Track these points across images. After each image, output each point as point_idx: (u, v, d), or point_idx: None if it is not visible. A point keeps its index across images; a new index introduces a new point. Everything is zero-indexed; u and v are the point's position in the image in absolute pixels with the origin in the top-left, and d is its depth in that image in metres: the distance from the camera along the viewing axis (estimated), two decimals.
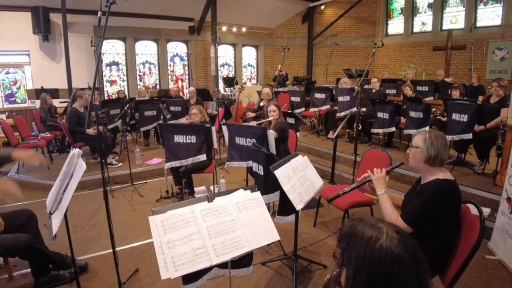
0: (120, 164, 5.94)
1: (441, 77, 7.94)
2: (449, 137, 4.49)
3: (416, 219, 1.97)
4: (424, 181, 2.08)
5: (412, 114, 5.28)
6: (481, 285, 2.82)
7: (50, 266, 2.91)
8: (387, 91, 7.38)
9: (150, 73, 11.49)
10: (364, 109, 6.23)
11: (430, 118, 5.24)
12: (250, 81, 13.70)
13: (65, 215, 1.97)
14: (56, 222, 1.94)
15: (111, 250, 2.81)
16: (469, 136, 4.41)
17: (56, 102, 7.90)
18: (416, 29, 11.77)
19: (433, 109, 5.61)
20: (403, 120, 5.81)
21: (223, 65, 12.95)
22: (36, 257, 2.77)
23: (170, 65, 11.82)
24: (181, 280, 2.14)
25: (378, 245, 0.93)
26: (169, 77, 11.79)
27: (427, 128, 4.86)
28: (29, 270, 2.90)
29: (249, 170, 4.00)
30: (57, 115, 7.35)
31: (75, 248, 2.28)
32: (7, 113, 8.45)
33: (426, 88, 7.16)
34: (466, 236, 1.95)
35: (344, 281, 1.00)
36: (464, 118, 4.46)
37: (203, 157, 4.16)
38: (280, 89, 8.87)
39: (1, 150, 1.33)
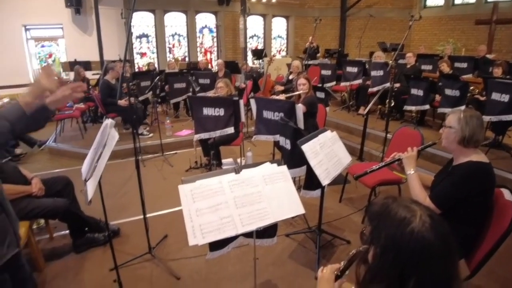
0: (151, 134, 6.10)
1: (483, 53, 7.45)
2: (486, 118, 4.26)
3: (445, 200, 1.92)
4: (457, 162, 2.00)
5: (448, 92, 5.03)
6: (509, 272, 2.74)
7: (86, 229, 3.11)
8: (423, 67, 7.05)
9: (179, 45, 11.51)
10: (397, 85, 5.99)
11: (467, 97, 4.97)
12: (280, 54, 13.43)
13: (99, 183, 2.07)
14: (90, 188, 2.04)
15: (141, 217, 2.95)
16: (510, 117, 4.15)
17: (88, 74, 8.12)
18: (458, 0, 10.97)
19: (471, 88, 5.30)
20: (437, 97, 5.55)
21: (252, 37, 12.74)
22: (73, 220, 2.96)
23: (199, 37, 11.77)
24: (208, 247, 2.22)
25: (409, 228, 0.90)
26: (198, 49, 11.77)
27: (462, 107, 4.62)
28: (67, 231, 3.12)
29: (276, 144, 4.00)
30: (90, 87, 7.57)
31: (108, 213, 2.40)
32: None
33: (465, 65, 6.75)
34: (497, 222, 1.88)
35: (371, 259, 0.99)
36: (505, 98, 4.18)
37: (231, 130, 4.19)
38: (311, 62, 8.65)
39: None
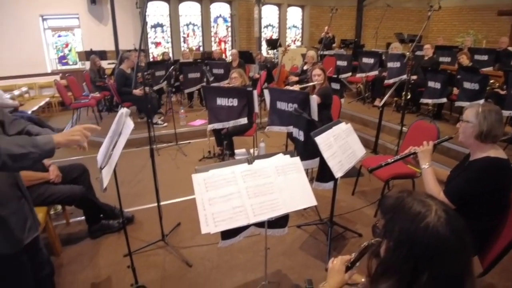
0: (166, 124, 6.16)
1: (505, 46, 7.19)
2: (506, 113, 4.14)
3: (460, 196, 1.88)
4: (474, 157, 1.95)
5: (467, 85, 4.90)
6: None
7: (101, 215, 3.18)
8: (441, 59, 6.87)
9: (193, 34, 11.50)
10: (414, 77, 5.86)
11: (487, 91, 4.83)
12: (294, 43, 13.26)
13: (114, 170, 2.10)
14: (106, 176, 2.07)
15: (155, 204, 3.00)
16: None
17: (104, 64, 8.21)
18: None
19: (491, 81, 5.14)
20: (455, 91, 5.41)
21: (266, 27, 12.61)
22: (88, 207, 3.03)
23: (213, 27, 11.73)
24: (220, 235, 2.25)
25: (424, 223, 0.89)
26: (212, 39, 11.74)
27: (481, 101, 4.49)
28: (83, 218, 3.19)
29: (289, 135, 3.99)
30: (106, 76, 7.66)
31: (123, 201, 2.45)
32: (60, 74, 8.95)
33: (485, 57, 6.55)
34: None
35: (384, 252, 0.98)
36: None
37: (244, 121, 4.19)
38: (326, 52, 8.52)
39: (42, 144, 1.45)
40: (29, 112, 6.51)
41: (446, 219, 0.89)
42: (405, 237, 0.91)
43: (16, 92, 7.68)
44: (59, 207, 3.41)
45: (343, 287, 1.31)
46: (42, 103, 7.82)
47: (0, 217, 1.53)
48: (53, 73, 9.13)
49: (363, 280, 1.41)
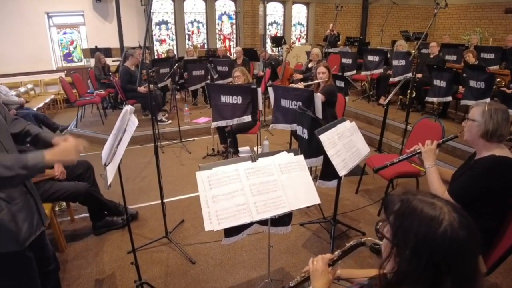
0: (170, 121, 6.17)
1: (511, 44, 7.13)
2: None
3: (464, 195, 1.87)
4: (479, 156, 1.93)
5: (473, 83, 4.86)
6: None
7: (105, 212, 3.20)
8: (447, 57, 6.81)
9: (198, 32, 11.49)
10: (419, 75, 5.83)
11: (493, 89, 4.79)
12: (299, 41, 13.21)
13: (119, 167, 2.11)
14: (110, 173, 2.08)
15: (159, 201, 3.01)
16: None
17: (109, 61, 8.24)
18: None
19: (497, 79, 5.09)
20: (461, 89, 5.37)
21: (271, 24, 12.57)
22: (93, 203, 3.05)
23: (218, 24, 11.71)
24: (223, 232, 2.25)
25: (443, 228, 0.85)
26: (217, 36, 11.73)
27: (487, 100, 4.45)
28: (87, 214, 3.21)
29: (293, 133, 3.98)
30: (110, 73, 7.69)
31: (127, 197, 2.46)
32: (65, 71, 8.99)
33: (491, 56, 6.48)
34: None
35: (395, 261, 0.92)
36: None
37: (248, 118, 4.19)
38: (331, 50, 8.49)
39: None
40: (35, 109, 6.56)
41: (460, 221, 0.86)
42: (422, 244, 0.86)
43: (22, 89, 7.73)
44: (64, 203, 3.43)
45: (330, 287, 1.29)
46: (47, 100, 7.87)
47: (8, 215, 1.54)
48: (58, 70, 9.18)
49: (339, 272, 1.40)
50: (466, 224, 0.87)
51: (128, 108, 2.20)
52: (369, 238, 1.15)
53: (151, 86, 3.62)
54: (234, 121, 4.20)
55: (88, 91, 7.37)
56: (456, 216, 0.87)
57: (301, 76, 6.24)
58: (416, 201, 0.91)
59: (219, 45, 11.40)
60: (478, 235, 0.88)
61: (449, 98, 5.33)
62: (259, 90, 4.22)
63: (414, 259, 0.87)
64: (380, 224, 0.98)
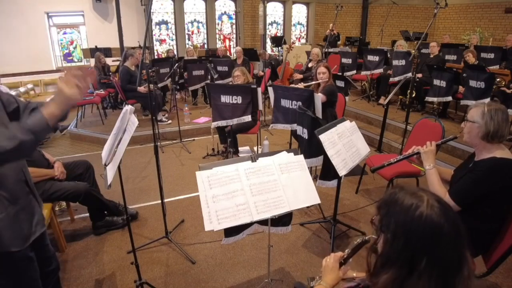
0: (170, 121, 6.17)
1: (511, 44, 7.13)
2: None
3: (466, 197, 1.86)
4: (479, 157, 1.92)
5: (472, 83, 4.86)
6: None
7: (105, 212, 3.20)
8: (447, 57, 6.82)
9: (198, 32, 11.50)
10: (419, 75, 5.83)
11: (493, 89, 4.79)
12: (299, 41, 13.22)
13: (119, 167, 2.11)
14: (110, 173, 2.08)
15: (159, 201, 3.01)
16: None
17: (109, 61, 8.23)
18: None
19: (497, 79, 5.09)
20: (461, 89, 5.37)
21: (271, 24, 12.58)
22: (93, 203, 3.05)
23: (218, 24, 11.71)
24: (223, 232, 2.25)
25: (418, 212, 0.94)
26: (217, 36, 11.73)
27: (487, 100, 4.45)
28: (87, 214, 3.21)
29: (293, 133, 3.98)
30: (110, 73, 7.68)
31: (127, 197, 2.46)
32: (65, 71, 8.97)
33: (491, 55, 6.48)
34: None
35: (382, 246, 1.02)
36: None
37: (248, 118, 4.19)
38: (331, 50, 8.48)
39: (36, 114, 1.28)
40: None
41: (439, 208, 0.94)
42: (401, 228, 0.95)
43: (22, 89, 7.73)
44: (64, 203, 3.43)
45: (339, 283, 1.35)
46: (47, 100, 7.84)
47: (10, 214, 1.54)
48: (58, 70, 9.18)
49: (354, 274, 1.46)
50: (447, 213, 0.94)
51: (128, 108, 2.20)
52: (373, 236, 1.18)
53: (151, 86, 3.63)
54: (234, 121, 4.20)
55: (88, 91, 7.36)
56: (436, 205, 0.95)
57: (301, 76, 6.24)
58: (402, 193, 1.01)
59: (219, 45, 11.41)
60: (459, 222, 0.94)
61: (449, 98, 5.33)
62: (259, 90, 4.22)
63: (393, 243, 0.96)
64: (374, 216, 1.09)
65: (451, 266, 0.92)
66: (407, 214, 0.95)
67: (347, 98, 4.79)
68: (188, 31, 11.31)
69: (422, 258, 0.92)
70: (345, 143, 2.58)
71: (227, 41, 12.03)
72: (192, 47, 9.47)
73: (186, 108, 6.37)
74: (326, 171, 2.98)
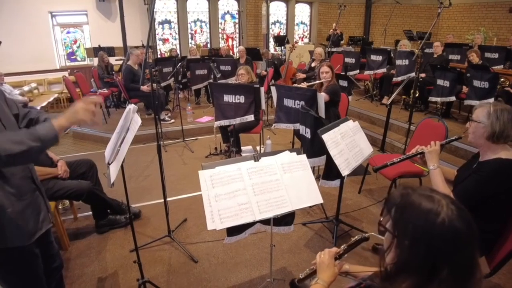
0: (173, 120, 6.18)
1: None
2: None
3: (470, 199, 1.84)
4: (484, 158, 1.90)
5: (476, 83, 4.83)
6: None
7: (108, 210, 3.21)
8: (450, 57, 6.79)
9: (201, 31, 11.50)
10: (423, 75, 5.82)
11: (497, 89, 4.76)
12: (302, 40, 13.20)
13: (122, 166, 2.11)
14: (113, 172, 2.08)
15: (162, 200, 3.02)
16: None
17: (112, 60, 8.24)
18: None
19: (502, 79, 5.06)
20: (465, 89, 5.35)
21: (274, 23, 12.56)
22: (96, 202, 3.06)
23: (221, 23, 11.71)
24: (226, 232, 2.26)
25: (440, 219, 0.88)
26: (220, 35, 11.73)
27: (491, 100, 4.42)
28: (90, 213, 3.23)
29: (296, 132, 3.98)
30: (113, 72, 7.70)
31: (130, 196, 2.46)
32: (69, 70, 9.01)
33: (496, 55, 6.44)
34: None
35: (394, 251, 0.96)
36: None
37: (251, 118, 4.19)
38: (334, 49, 8.46)
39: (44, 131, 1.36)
40: (38, 107, 6.57)
41: (458, 212, 0.89)
42: (421, 234, 0.89)
43: (26, 88, 7.73)
44: (67, 202, 3.45)
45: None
46: (51, 99, 7.89)
47: (16, 210, 1.56)
48: (61, 69, 9.21)
49: (347, 267, 1.43)
50: (464, 216, 0.90)
51: (131, 107, 2.20)
52: (372, 233, 1.17)
53: (154, 85, 3.63)
54: (237, 121, 4.20)
55: (91, 90, 7.39)
56: (454, 209, 0.90)
57: (304, 76, 6.23)
58: (416, 194, 0.95)
59: (222, 44, 11.40)
60: (475, 227, 0.90)
61: (453, 98, 5.30)
62: (262, 89, 4.21)
63: (413, 249, 0.90)
64: (382, 218, 1.02)
65: (469, 271, 0.89)
66: (428, 219, 0.89)
67: (350, 97, 4.78)
68: (191, 30, 11.32)
69: (444, 266, 0.87)
70: (348, 143, 2.57)
71: (230, 40, 12.03)
72: (195, 47, 9.47)
73: (189, 107, 6.38)
74: (329, 171, 2.98)
